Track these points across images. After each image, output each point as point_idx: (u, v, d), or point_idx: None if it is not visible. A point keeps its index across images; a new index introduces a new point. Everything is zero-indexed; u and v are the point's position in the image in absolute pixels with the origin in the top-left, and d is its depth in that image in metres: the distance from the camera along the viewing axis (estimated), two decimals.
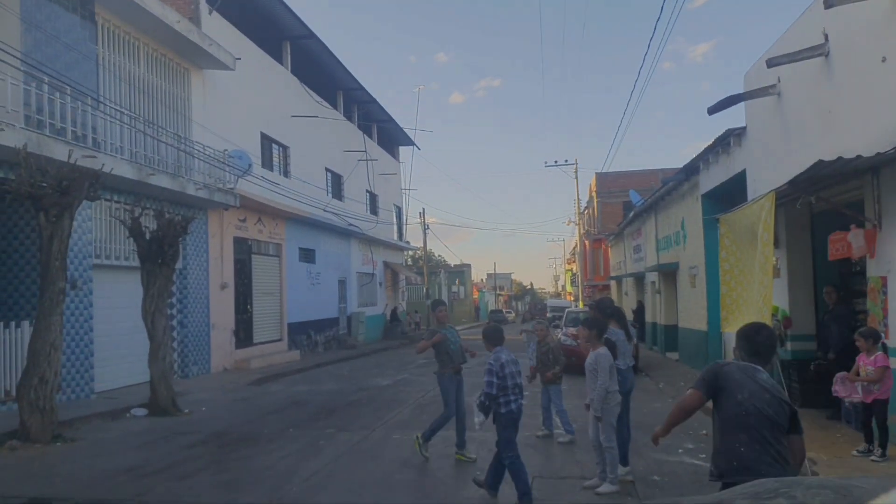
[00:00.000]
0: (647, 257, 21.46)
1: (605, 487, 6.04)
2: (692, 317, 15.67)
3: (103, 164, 10.25)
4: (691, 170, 14.64)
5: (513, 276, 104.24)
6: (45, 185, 8.71)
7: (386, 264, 32.20)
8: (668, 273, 18.21)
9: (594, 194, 41.38)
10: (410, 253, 47.87)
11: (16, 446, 8.17)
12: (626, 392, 6.76)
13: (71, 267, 11.01)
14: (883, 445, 6.67)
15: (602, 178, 38.88)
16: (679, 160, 77.93)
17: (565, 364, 8.91)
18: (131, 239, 11.23)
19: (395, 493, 6.14)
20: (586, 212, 45.41)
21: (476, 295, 62.51)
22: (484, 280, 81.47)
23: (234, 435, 9.07)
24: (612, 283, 33.28)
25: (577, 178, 43.56)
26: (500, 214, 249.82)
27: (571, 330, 14.91)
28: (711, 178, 13.43)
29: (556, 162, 41.75)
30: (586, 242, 42.07)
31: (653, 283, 20.89)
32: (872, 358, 6.65)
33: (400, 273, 34.84)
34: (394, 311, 31.99)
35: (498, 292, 78.35)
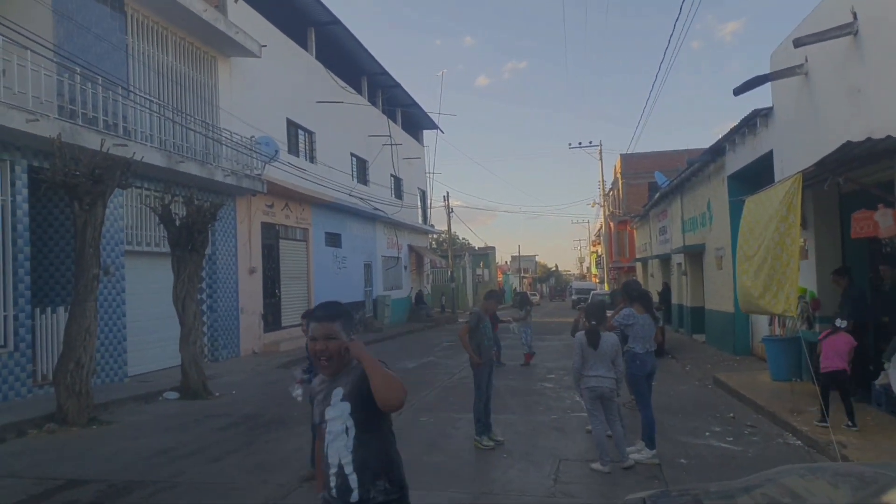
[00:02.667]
0: (673, 239, 21.24)
1: (595, 465, 6.27)
2: (719, 298, 15.52)
3: (134, 153, 10.43)
4: (717, 151, 14.43)
5: (537, 259, 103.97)
6: (78, 173, 8.89)
7: (411, 248, 32.33)
8: (695, 255, 18.03)
9: (619, 175, 40.96)
10: (434, 236, 47.89)
11: (54, 429, 8.45)
12: (648, 375, 6.78)
13: (103, 253, 11.25)
14: (823, 413, 7.12)
15: (627, 159, 38.44)
16: (706, 141, 76.57)
17: None
18: (162, 226, 11.45)
19: (423, 475, 6.25)
20: (611, 193, 45.02)
21: (500, 278, 62.61)
22: (508, 263, 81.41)
23: (265, 417, 9.26)
24: (638, 266, 33.03)
25: (601, 159, 43.22)
26: (524, 197, 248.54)
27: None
28: (738, 160, 13.23)
29: (580, 143, 41.49)
30: (611, 224, 41.75)
31: (679, 264, 20.69)
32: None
33: (424, 256, 34.97)
34: (419, 295, 32.16)
35: (522, 275, 78.27)
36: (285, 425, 8.68)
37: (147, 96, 13.17)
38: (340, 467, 2.57)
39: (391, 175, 28.97)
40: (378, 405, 2.46)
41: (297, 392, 6.02)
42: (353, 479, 2.55)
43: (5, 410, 9.06)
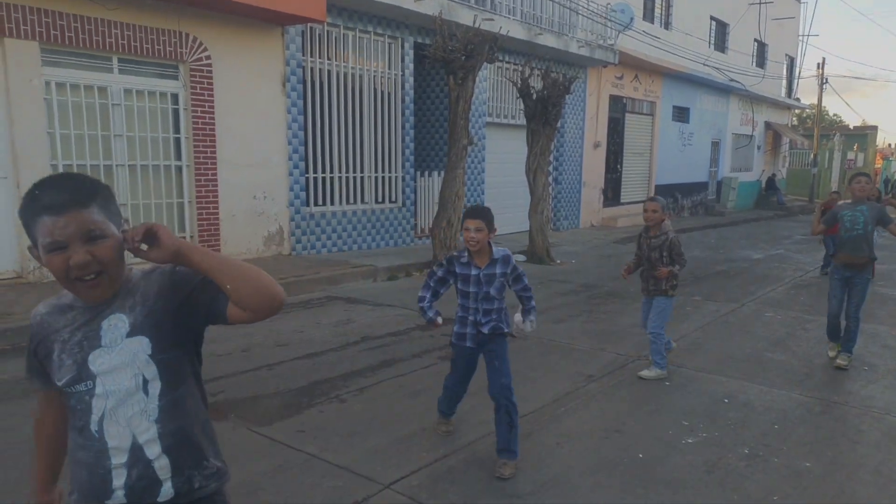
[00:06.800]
0: None
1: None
2: None
3: (500, 27, 11.07)
4: None
5: None
6: (453, 49, 9.85)
7: (767, 125, 29.00)
8: None
9: None
10: (797, 112, 41.77)
11: None
12: None
13: (469, 125, 12.53)
14: None
15: None
16: None
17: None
18: (518, 99, 12.17)
19: (766, 371, 6.06)
20: None
21: (879, 164, 52.45)
22: (894, 146, 67.64)
23: (602, 289, 9.75)
24: None
25: None
26: None
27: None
28: None
29: None
30: None
31: None
32: None
33: (783, 135, 31.08)
34: (770, 179, 29.09)
35: None
36: (621, 300, 9.03)
37: None
38: (136, 450, 1.54)
39: (754, 40, 25.77)
40: (244, 314, 1.52)
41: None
42: (164, 466, 1.56)
43: (395, 254, 11.12)
